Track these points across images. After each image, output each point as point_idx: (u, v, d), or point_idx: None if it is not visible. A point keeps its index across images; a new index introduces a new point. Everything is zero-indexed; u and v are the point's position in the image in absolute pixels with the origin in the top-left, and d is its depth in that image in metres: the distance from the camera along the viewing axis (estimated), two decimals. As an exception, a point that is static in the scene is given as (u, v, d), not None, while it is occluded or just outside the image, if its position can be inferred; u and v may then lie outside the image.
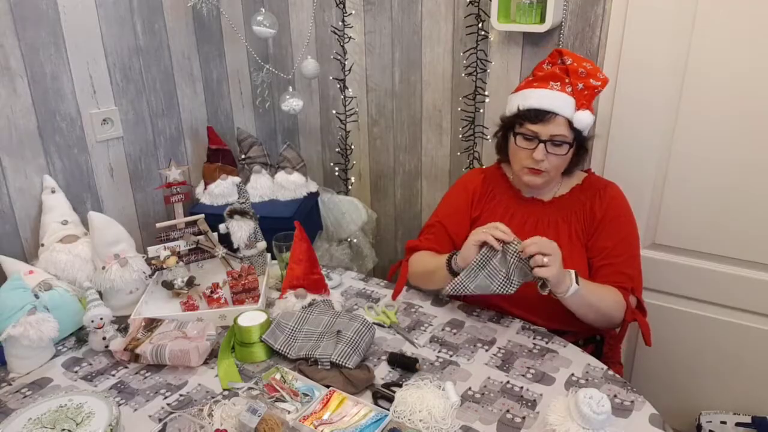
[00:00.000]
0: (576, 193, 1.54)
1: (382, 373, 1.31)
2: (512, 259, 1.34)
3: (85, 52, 1.70)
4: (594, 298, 1.39)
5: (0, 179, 1.58)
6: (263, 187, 2.03)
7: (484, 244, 1.36)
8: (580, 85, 1.42)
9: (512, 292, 1.36)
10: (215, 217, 1.72)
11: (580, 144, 1.48)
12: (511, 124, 1.50)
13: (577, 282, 1.32)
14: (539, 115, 1.41)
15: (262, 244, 1.70)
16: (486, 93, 1.94)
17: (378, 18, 2.08)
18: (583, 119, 1.41)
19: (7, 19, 1.52)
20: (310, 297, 1.47)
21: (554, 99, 1.42)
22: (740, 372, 1.82)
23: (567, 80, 1.43)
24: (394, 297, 1.62)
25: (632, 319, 1.47)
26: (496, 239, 1.34)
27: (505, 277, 1.35)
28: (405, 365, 1.31)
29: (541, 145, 1.42)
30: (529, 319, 1.49)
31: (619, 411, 1.17)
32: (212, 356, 1.36)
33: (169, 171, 1.80)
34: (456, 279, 1.38)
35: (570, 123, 1.42)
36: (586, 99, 1.42)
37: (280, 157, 2.06)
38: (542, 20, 1.69)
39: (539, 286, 1.33)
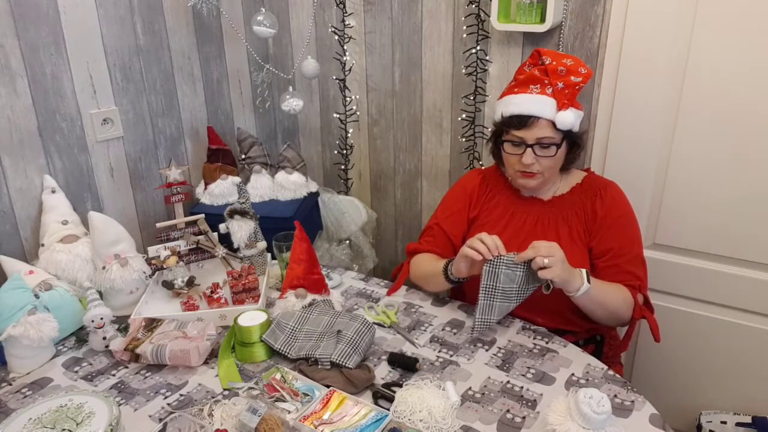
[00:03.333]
0: (576, 192, 1.54)
1: (383, 373, 1.31)
2: (518, 272, 1.35)
3: (85, 52, 1.70)
4: (604, 297, 1.40)
5: (0, 179, 1.58)
6: (263, 187, 2.03)
7: (468, 257, 1.38)
8: (560, 84, 1.42)
9: (529, 295, 1.39)
10: (215, 217, 1.72)
11: (572, 141, 1.49)
12: (498, 132, 1.50)
13: (588, 281, 1.34)
14: (522, 121, 1.42)
15: (263, 244, 1.70)
16: (486, 93, 1.94)
17: (378, 18, 2.08)
18: (565, 119, 1.41)
19: (7, 19, 1.52)
20: (310, 297, 1.47)
21: (535, 103, 1.42)
22: (740, 372, 1.82)
23: (546, 81, 1.43)
24: (388, 294, 1.64)
25: (641, 316, 1.47)
26: (478, 251, 1.35)
27: (518, 290, 1.37)
28: (405, 365, 1.31)
29: (529, 150, 1.43)
30: (530, 318, 1.49)
31: (619, 411, 1.17)
32: (212, 356, 1.36)
33: (169, 171, 1.80)
34: (476, 319, 1.40)
35: (554, 124, 1.42)
36: (567, 98, 1.42)
37: (280, 157, 2.06)
38: (542, 20, 1.69)
39: (543, 287, 1.34)
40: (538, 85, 1.43)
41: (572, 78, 1.42)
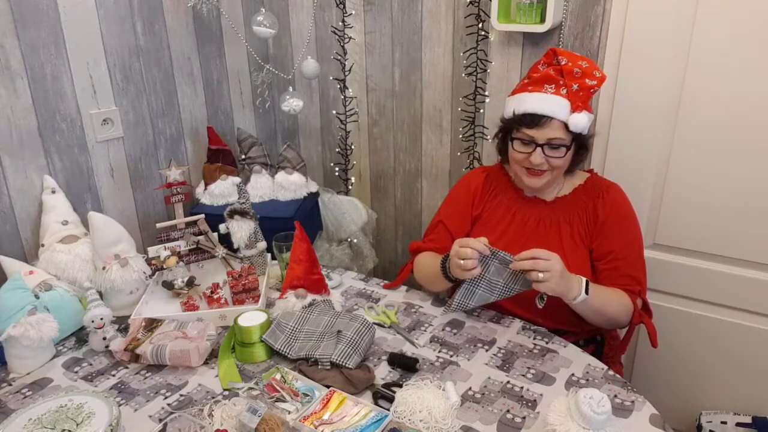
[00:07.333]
0: (578, 193, 1.54)
1: (383, 373, 1.31)
2: (508, 270, 1.36)
3: (85, 52, 1.70)
4: (603, 305, 1.40)
5: (0, 179, 1.58)
6: (263, 187, 2.03)
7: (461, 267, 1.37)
8: (575, 86, 1.40)
9: (512, 295, 1.39)
10: (215, 217, 1.72)
11: (580, 143, 1.48)
12: (508, 129, 1.50)
13: (586, 292, 1.33)
14: (535, 120, 1.41)
15: (263, 245, 1.70)
16: (486, 93, 1.94)
17: (378, 18, 2.08)
18: (578, 122, 1.39)
19: (7, 19, 1.52)
20: (310, 297, 1.47)
21: (549, 103, 1.41)
22: (741, 372, 1.82)
23: (562, 82, 1.41)
24: (384, 287, 1.66)
25: (639, 321, 1.47)
26: (468, 257, 1.34)
27: (503, 286, 1.38)
28: (405, 365, 1.31)
29: (539, 149, 1.42)
30: (530, 318, 1.49)
31: (620, 411, 1.17)
32: (212, 356, 1.36)
33: (170, 171, 1.80)
34: (454, 299, 1.40)
35: (566, 125, 1.41)
36: (581, 100, 1.40)
37: (280, 157, 2.06)
38: (542, 20, 1.69)
39: (537, 300, 1.35)
40: (553, 85, 1.42)
41: (587, 81, 1.40)
